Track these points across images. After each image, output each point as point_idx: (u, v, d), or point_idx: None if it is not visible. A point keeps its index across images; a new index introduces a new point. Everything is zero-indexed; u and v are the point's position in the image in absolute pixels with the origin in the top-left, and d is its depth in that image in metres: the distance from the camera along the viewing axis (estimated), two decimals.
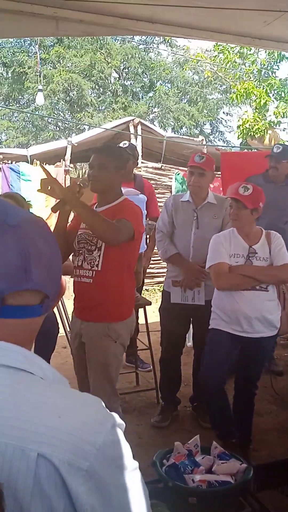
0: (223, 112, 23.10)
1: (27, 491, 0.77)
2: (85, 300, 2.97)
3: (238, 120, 11.10)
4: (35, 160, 8.77)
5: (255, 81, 11.20)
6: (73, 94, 19.83)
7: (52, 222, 8.54)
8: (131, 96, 21.97)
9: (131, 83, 22.75)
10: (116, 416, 0.88)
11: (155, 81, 22.40)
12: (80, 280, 2.97)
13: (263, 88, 10.67)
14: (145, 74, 22.55)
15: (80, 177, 13.66)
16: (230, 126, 23.85)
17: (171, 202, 3.94)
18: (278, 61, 11.38)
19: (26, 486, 0.77)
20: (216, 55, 12.52)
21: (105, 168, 2.91)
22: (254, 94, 10.48)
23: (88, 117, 19.33)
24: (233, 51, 11.35)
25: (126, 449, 0.86)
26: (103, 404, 0.90)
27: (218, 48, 11.52)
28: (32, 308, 0.91)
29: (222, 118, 23.75)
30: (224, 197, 3.83)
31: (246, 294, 3.21)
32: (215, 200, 3.85)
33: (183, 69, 20.79)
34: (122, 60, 20.87)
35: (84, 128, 19.10)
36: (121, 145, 4.49)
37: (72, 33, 4.82)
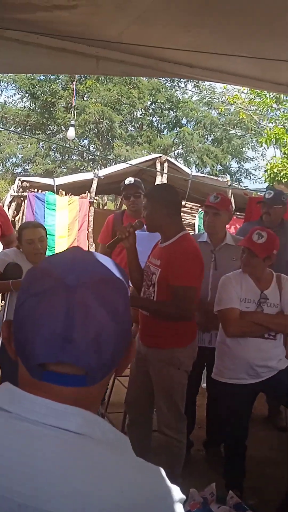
0: (249, 148, 23.34)
1: None
2: (146, 329, 3.18)
3: (267, 164, 11.19)
4: (60, 190, 8.90)
5: None
6: (103, 126, 20.22)
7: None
8: (156, 131, 22.38)
9: (157, 119, 23.21)
10: (176, 490, 0.84)
11: (181, 118, 22.79)
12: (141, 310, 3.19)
13: None
14: (171, 110, 22.97)
15: (101, 207, 13.92)
16: (256, 164, 24.10)
17: None
18: None
19: None
20: (252, 98, 12.71)
21: (147, 209, 3.11)
22: (284, 140, 10.57)
23: (119, 147, 19.64)
24: (269, 95, 11.48)
25: None
26: (164, 475, 0.86)
27: (255, 92, 11.68)
28: (73, 377, 0.83)
29: (248, 157, 24.02)
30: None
31: (253, 342, 3.16)
32: (233, 241, 3.80)
33: (211, 108, 21.15)
34: (149, 95, 21.34)
35: (109, 158, 19.42)
36: (126, 182, 4.44)
37: (111, 73, 4.92)
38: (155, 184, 9.25)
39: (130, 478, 0.80)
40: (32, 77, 20.17)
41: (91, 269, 0.87)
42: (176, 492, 0.83)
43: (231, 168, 24.03)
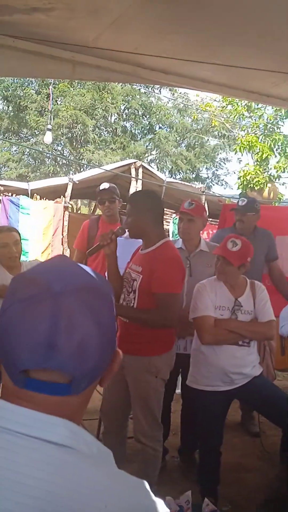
0: (221, 158, 23.69)
1: None
2: (124, 335, 3.11)
3: (240, 172, 11.39)
4: (35, 194, 8.83)
5: (260, 135, 11.51)
6: (76, 131, 20.15)
7: (49, 253, 8.54)
8: (129, 137, 22.43)
9: (131, 124, 23.28)
10: (161, 503, 0.84)
11: (155, 124, 22.90)
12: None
13: (267, 143, 10.95)
14: (145, 116, 23.07)
15: (75, 212, 13.85)
16: (227, 170, 24.42)
17: None
18: (284, 117, 11.76)
19: None
20: (224, 106, 12.90)
21: (131, 216, 3.07)
22: (257, 148, 10.74)
23: (90, 153, 19.59)
24: (241, 104, 11.69)
25: None
26: (148, 488, 0.86)
27: (227, 100, 11.86)
28: (57, 386, 0.82)
29: (220, 162, 24.29)
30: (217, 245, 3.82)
31: (227, 349, 3.18)
32: (207, 248, 3.83)
33: (184, 115, 21.34)
34: (123, 101, 21.39)
35: (83, 164, 19.38)
36: (101, 187, 4.43)
37: (87, 78, 4.89)
38: (136, 190, 9.27)
39: (114, 492, 0.79)
40: (5, 80, 20.01)
41: (77, 277, 0.87)
42: (160, 506, 0.83)
43: (202, 174, 24.26)
